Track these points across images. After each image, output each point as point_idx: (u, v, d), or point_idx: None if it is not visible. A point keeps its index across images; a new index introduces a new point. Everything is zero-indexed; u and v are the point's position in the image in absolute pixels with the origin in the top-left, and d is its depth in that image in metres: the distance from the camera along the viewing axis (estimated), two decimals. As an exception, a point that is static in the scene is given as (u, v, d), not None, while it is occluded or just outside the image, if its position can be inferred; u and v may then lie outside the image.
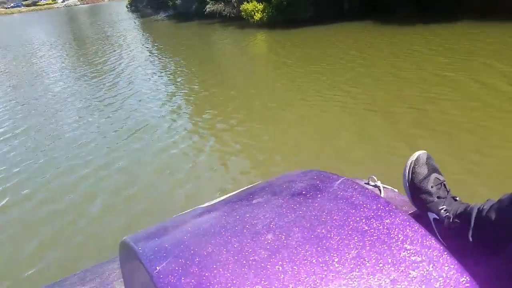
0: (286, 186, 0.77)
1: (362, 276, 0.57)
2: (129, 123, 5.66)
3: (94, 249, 2.92)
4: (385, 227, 0.64)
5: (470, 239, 0.96)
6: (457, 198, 1.09)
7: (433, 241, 0.62)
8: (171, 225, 0.72)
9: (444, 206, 1.06)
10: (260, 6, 13.39)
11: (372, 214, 0.66)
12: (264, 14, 13.26)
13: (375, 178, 1.25)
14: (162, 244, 0.65)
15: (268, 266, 0.58)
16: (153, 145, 4.81)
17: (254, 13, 13.54)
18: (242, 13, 14.12)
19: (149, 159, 4.46)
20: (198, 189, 3.62)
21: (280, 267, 0.58)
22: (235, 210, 0.72)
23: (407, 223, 0.64)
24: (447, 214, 1.06)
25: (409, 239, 0.62)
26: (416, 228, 0.64)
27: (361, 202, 0.69)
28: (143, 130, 5.33)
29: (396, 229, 0.63)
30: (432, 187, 1.07)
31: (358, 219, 0.65)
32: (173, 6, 23.64)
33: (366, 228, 0.64)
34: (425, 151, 1.13)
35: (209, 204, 0.80)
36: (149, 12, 28.35)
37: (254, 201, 0.73)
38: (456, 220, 1.03)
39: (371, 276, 0.57)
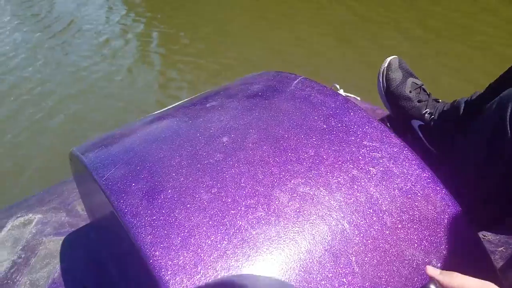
0: (241, 88, 0.73)
1: (320, 175, 0.56)
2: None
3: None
4: (344, 125, 0.62)
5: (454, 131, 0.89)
6: (440, 100, 1.01)
7: (393, 137, 0.61)
8: (119, 133, 0.68)
9: (427, 110, 0.98)
10: None
11: (331, 112, 0.64)
12: None
13: (337, 86, 1.22)
14: (110, 151, 0.61)
15: (224, 169, 0.56)
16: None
17: None
18: None
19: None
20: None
21: (236, 169, 0.56)
22: (187, 115, 0.67)
23: (366, 119, 0.62)
24: (432, 117, 0.97)
25: (368, 136, 0.60)
26: (376, 124, 0.62)
27: (319, 101, 0.66)
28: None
29: (355, 126, 0.61)
30: (410, 91, 1.00)
31: (316, 118, 0.63)
32: None
33: (325, 126, 0.61)
34: (396, 56, 1.05)
35: (159, 111, 0.75)
36: None
37: (207, 105, 0.68)
38: (444, 117, 0.95)
39: (330, 174, 0.56)
